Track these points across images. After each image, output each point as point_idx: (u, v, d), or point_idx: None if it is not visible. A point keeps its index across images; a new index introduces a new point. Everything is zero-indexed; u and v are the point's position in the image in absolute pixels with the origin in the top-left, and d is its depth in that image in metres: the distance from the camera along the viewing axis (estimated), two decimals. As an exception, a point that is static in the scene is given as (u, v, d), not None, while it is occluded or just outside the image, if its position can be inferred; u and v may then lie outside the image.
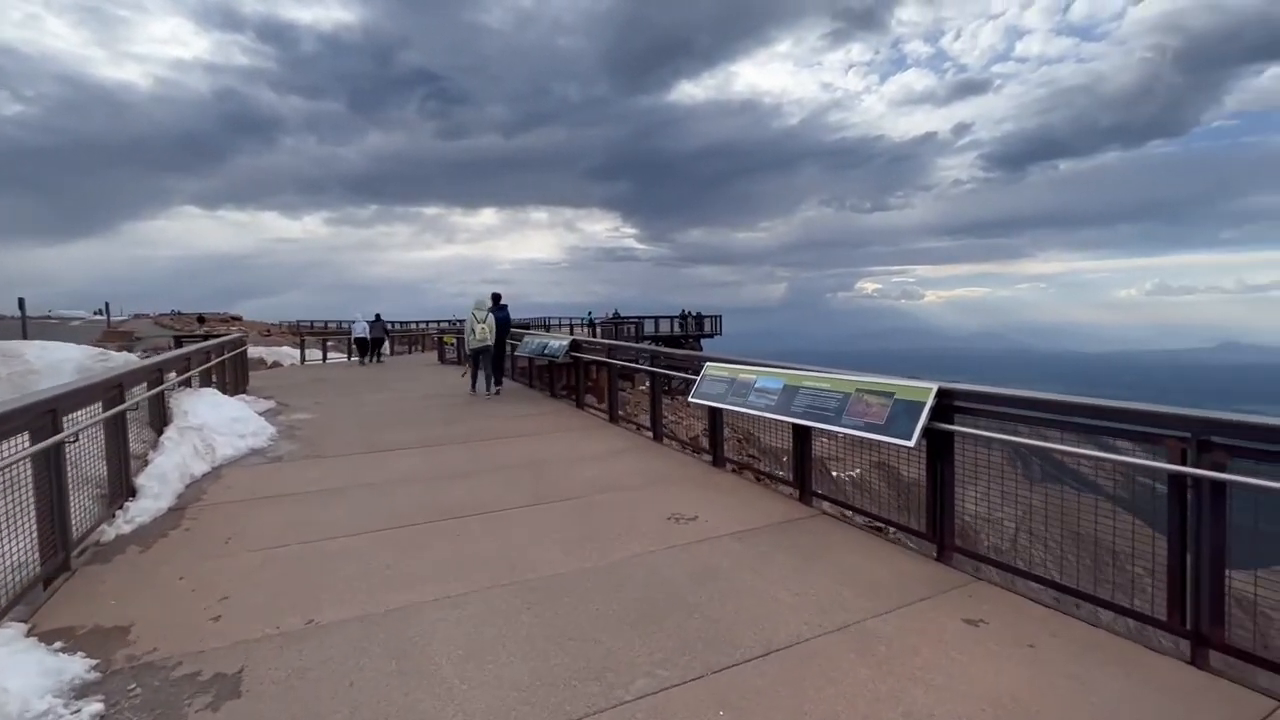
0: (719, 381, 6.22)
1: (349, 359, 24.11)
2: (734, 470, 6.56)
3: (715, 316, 43.71)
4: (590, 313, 41.63)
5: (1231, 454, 2.76)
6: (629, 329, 35.41)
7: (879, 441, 4.29)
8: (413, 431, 8.72)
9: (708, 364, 6.54)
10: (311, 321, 53.89)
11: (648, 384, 8.26)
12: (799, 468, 5.40)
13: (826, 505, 5.31)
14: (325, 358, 24.76)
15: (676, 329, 40.86)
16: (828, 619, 3.37)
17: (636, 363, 8.58)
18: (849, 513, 5.18)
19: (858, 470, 5.77)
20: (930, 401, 4.05)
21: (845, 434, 4.60)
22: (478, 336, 11.55)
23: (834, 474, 8.77)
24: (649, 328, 38.85)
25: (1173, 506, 2.97)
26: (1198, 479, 2.85)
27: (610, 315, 39.35)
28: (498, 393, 12.05)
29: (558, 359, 10.67)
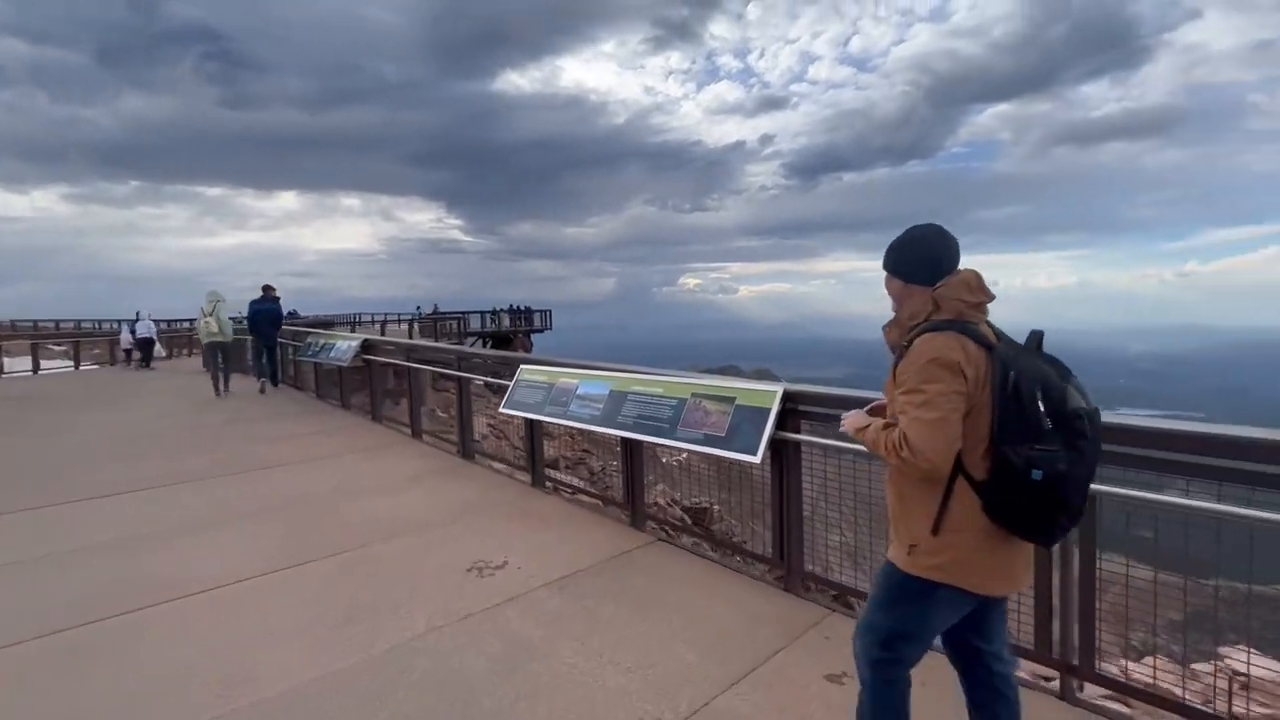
0: (535, 388, 5.22)
1: (121, 365, 19.89)
2: (558, 491, 5.62)
3: (545, 311, 42.54)
4: (419, 307, 38.23)
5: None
6: (451, 325, 32.86)
7: (722, 457, 3.60)
8: (144, 464, 6.55)
9: (523, 367, 5.51)
10: (57, 321, 43.29)
11: (473, 388, 6.98)
12: (630, 488, 4.60)
13: (667, 528, 4.58)
14: (78, 364, 19.89)
15: (506, 324, 39.01)
16: (670, 705, 2.55)
17: (441, 366, 7.25)
18: (690, 537, 4.50)
19: (684, 454, 5.11)
20: (775, 407, 3.45)
21: (682, 449, 3.86)
22: (209, 331, 10.87)
23: (663, 460, 8.20)
24: (475, 323, 36.54)
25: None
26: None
27: (431, 310, 36.29)
28: (261, 391, 11.28)
29: (343, 363, 8.88)
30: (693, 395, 3.89)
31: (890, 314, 1.85)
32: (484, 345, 37.53)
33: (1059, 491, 1.51)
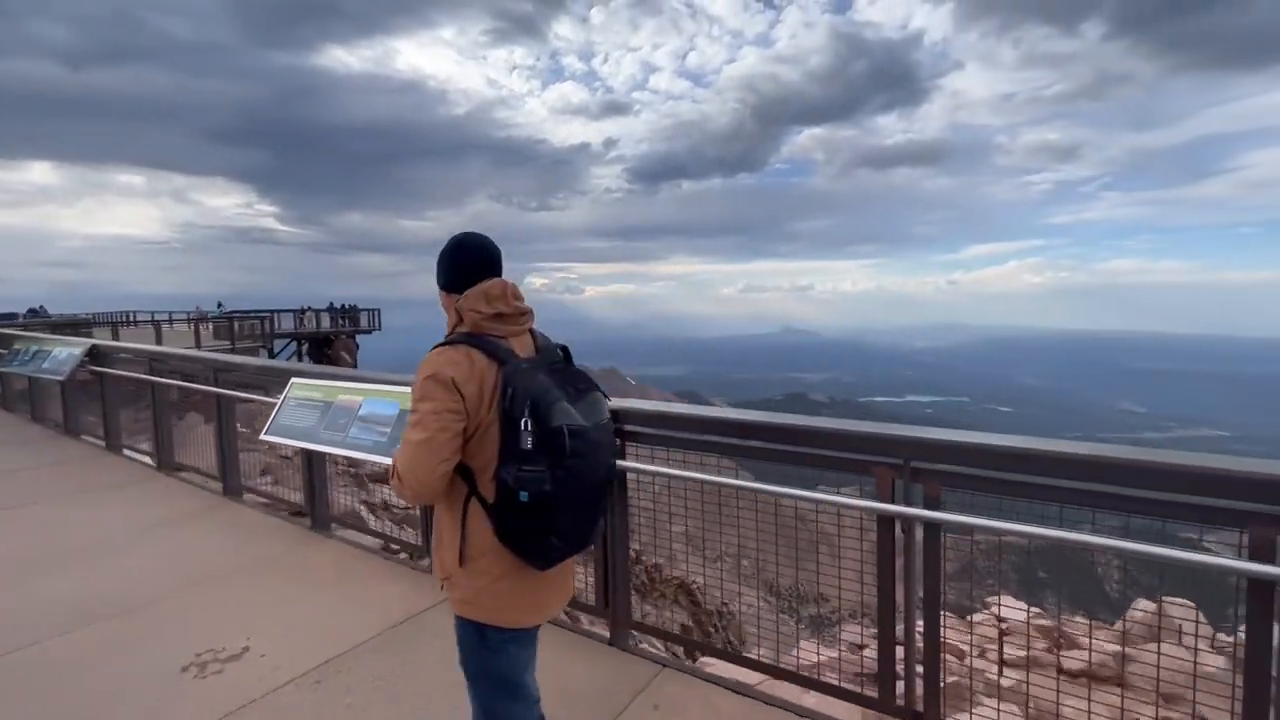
0: (309, 407, 4.15)
1: None
2: (352, 532, 4.58)
3: (373, 310, 38.75)
4: (220, 305, 32.59)
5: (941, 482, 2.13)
6: (254, 325, 28.50)
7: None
8: None
9: (294, 381, 4.39)
10: None
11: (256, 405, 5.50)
12: (428, 530, 3.77)
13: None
14: None
15: (325, 324, 34.89)
16: None
17: (191, 379, 5.74)
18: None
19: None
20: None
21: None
22: None
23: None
24: (287, 323, 32.15)
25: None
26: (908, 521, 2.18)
27: (217, 308, 31.11)
28: None
29: (60, 378, 6.82)
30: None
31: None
32: (298, 349, 33.21)
33: (547, 513, 1.47)
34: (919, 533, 2.20)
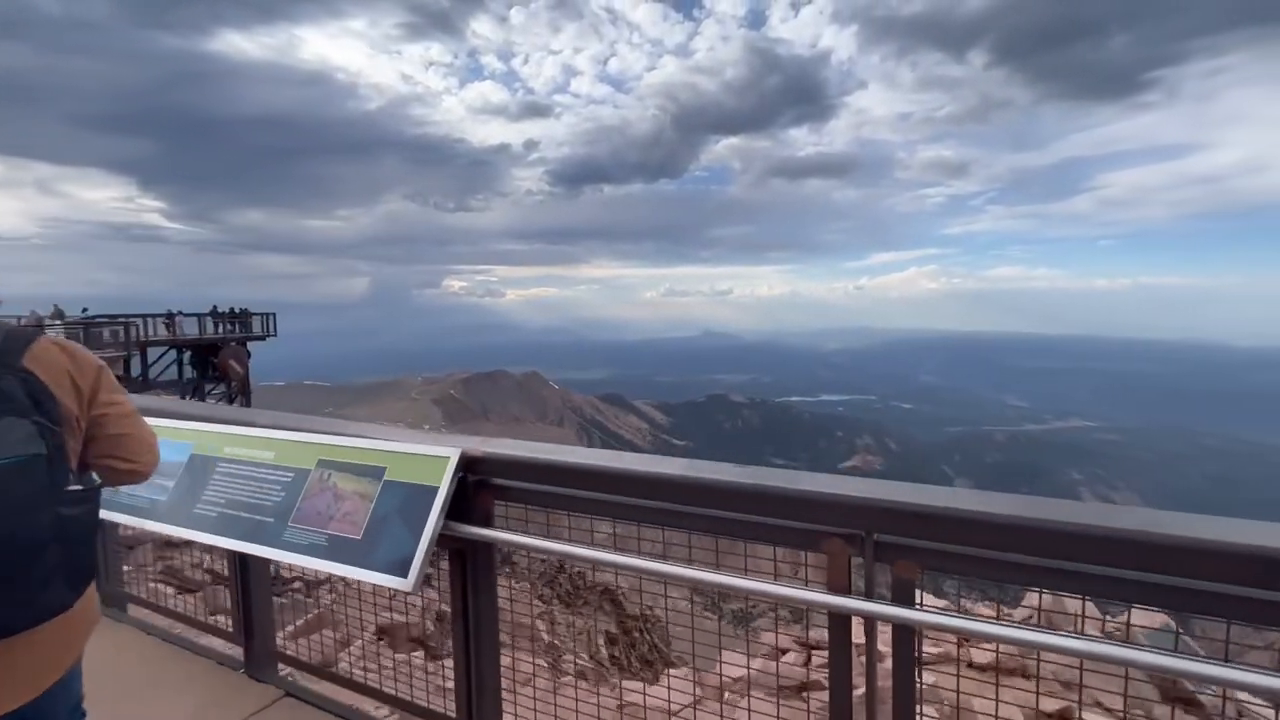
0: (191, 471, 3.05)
1: None
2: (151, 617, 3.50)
3: (268, 314, 35.53)
4: (85, 310, 28.51)
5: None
6: (116, 332, 25.16)
7: (363, 580, 2.10)
8: None
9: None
10: None
11: None
12: (246, 614, 2.81)
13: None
14: None
15: (211, 330, 31.59)
16: None
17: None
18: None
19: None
20: (447, 481, 2.06)
21: (292, 563, 2.27)
22: None
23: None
24: (156, 329, 28.73)
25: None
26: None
27: (82, 313, 27.37)
28: None
29: None
30: (319, 464, 2.32)
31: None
32: (178, 360, 29.83)
33: None
34: (883, 634, 1.56)
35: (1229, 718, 6.79)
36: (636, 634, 21.98)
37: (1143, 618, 8.47)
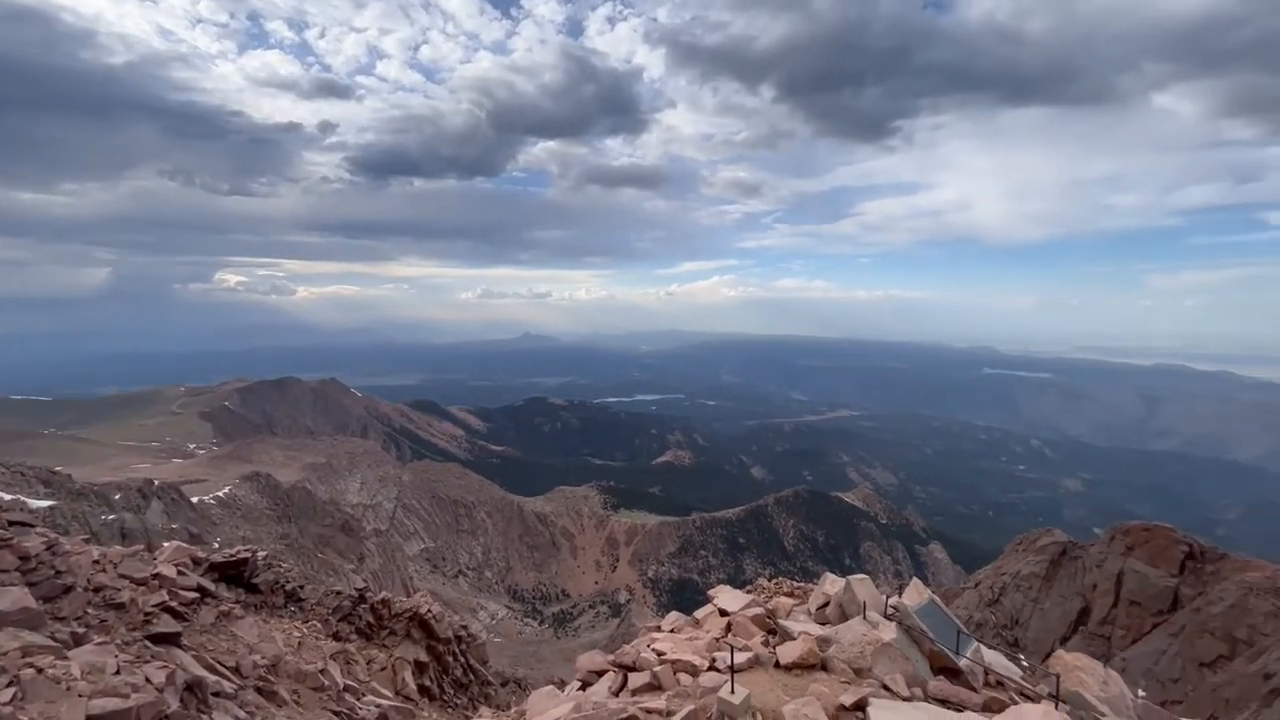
0: None
1: None
2: None
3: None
4: None
5: None
6: None
7: None
8: None
9: None
10: None
11: None
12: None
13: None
14: None
15: None
16: None
17: None
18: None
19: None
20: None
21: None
22: None
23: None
24: None
25: None
26: None
27: None
28: None
29: None
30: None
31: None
32: None
33: None
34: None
35: (979, 678, 8.23)
36: (449, 658, 20.85)
37: (911, 596, 9.87)
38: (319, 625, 16.69)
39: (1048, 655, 9.42)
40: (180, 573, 12.61)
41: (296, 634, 15.07)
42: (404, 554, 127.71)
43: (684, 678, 8.96)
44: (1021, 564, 37.14)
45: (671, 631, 11.41)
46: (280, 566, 18.83)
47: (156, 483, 65.83)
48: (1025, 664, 10.17)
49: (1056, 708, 7.36)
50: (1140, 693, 9.21)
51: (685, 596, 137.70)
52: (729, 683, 7.96)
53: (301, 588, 17.97)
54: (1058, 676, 8.43)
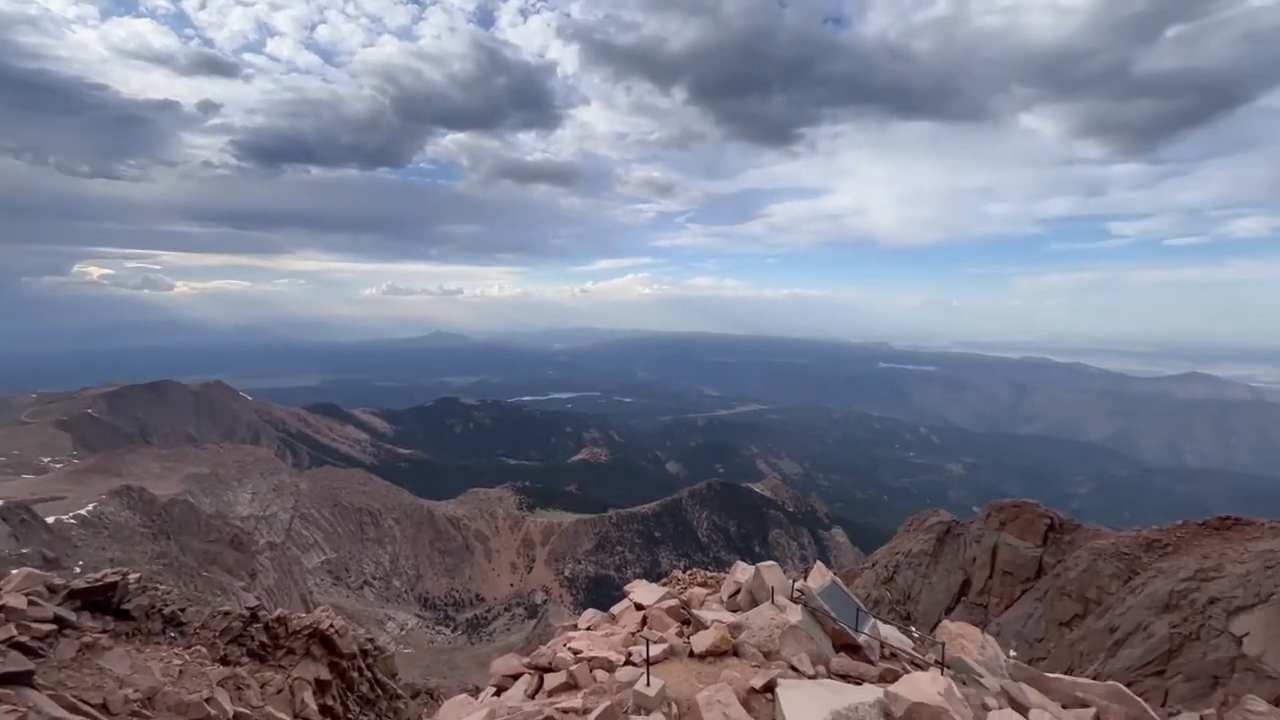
0: None
1: None
2: None
3: None
4: None
5: None
6: None
7: None
8: None
9: None
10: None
11: None
12: None
13: None
14: None
15: None
16: None
17: None
18: None
19: None
20: None
21: None
22: None
23: None
24: None
25: None
26: None
27: None
28: None
29: None
30: None
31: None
32: None
33: None
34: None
35: (878, 651, 8.75)
36: (355, 673, 19.82)
37: (815, 579, 10.33)
38: (204, 650, 15.32)
39: (935, 626, 10.29)
40: (32, 603, 11.19)
41: (177, 662, 13.76)
42: (302, 567, 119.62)
43: (600, 674, 9.01)
44: (912, 543, 40.23)
45: (588, 629, 11.43)
46: (157, 589, 17.11)
47: (1, 502, 57.81)
48: (916, 635, 11.05)
49: (942, 673, 8.05)
50: (1012, 653, 10.25)
51: (603, 593, 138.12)
52: (644, 675, 8.10)
53: (183, 611, 16.43)
54: (943, 645, 9.21)
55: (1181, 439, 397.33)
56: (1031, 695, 8.22)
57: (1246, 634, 15.57)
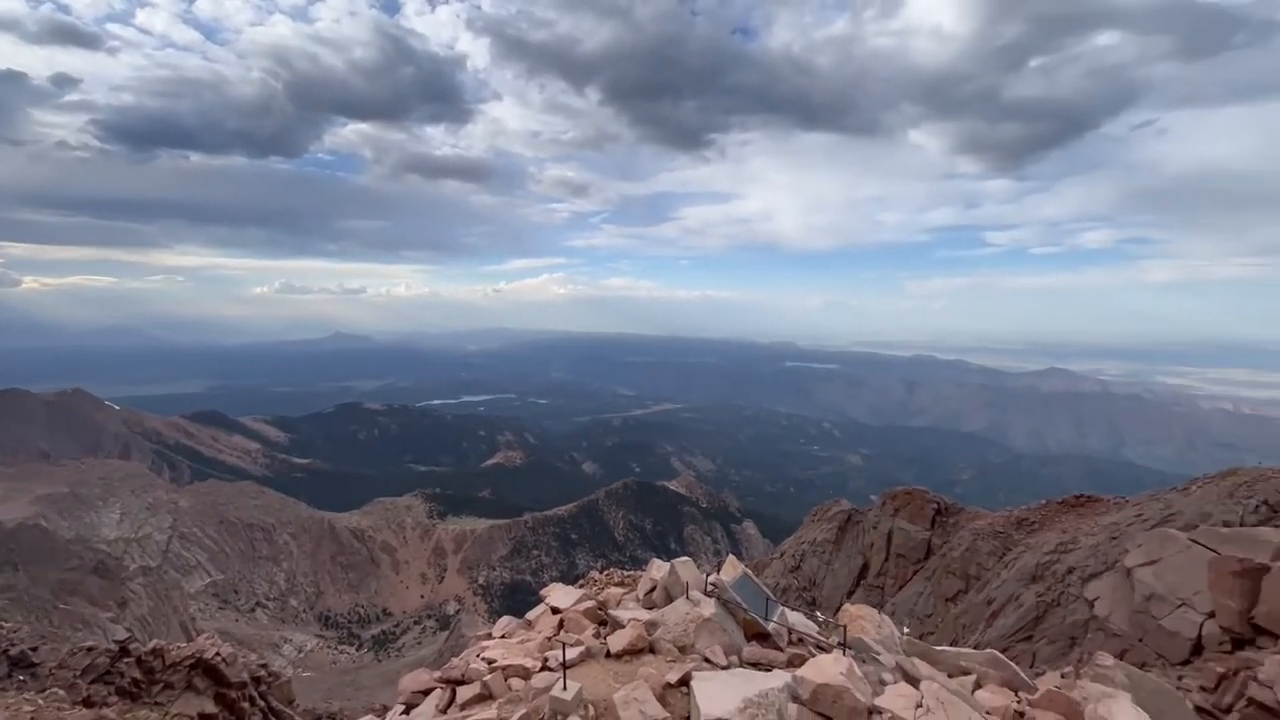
0: None
1: None
2: None
3: None
4: None
5: None
6: None
7: None
8: None
9: None
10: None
11: None
12: None
13: None
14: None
15: None
16: None
17: None
18: None
19: None
20: None
21: None
22: None
23: None
24: None
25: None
26: None
27: None
28: None
29: None
30: None
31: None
32: None
33: None
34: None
35: (785, 638, 9.08)
36: (245, 704, 18.36)
37: (728, 572, 10.60)
38: (62, 693, 13.61)
39: (838, 609, 10.90)
40: None
41: (29, 708, 12.13)
42: (183, 592, 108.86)
43: (516, 682, 8.85)
44: (816, 532, 42.43)
45: (503, 637, 11.19)
46: (2, 627, 15.02)
47: None
48: (820, 619, 11.66)
49: (844, 654, 8.55)
50: (905, 630, 11.05)
51: (519, 599, 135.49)
52: (561, 680, 8.04)
53: (34, 650, 14.53)
54: (844, 627, 9.79)
55: (1044, 427, 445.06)
56: (922, 668, 8.90)
57: (1097, 598, 17.63)
